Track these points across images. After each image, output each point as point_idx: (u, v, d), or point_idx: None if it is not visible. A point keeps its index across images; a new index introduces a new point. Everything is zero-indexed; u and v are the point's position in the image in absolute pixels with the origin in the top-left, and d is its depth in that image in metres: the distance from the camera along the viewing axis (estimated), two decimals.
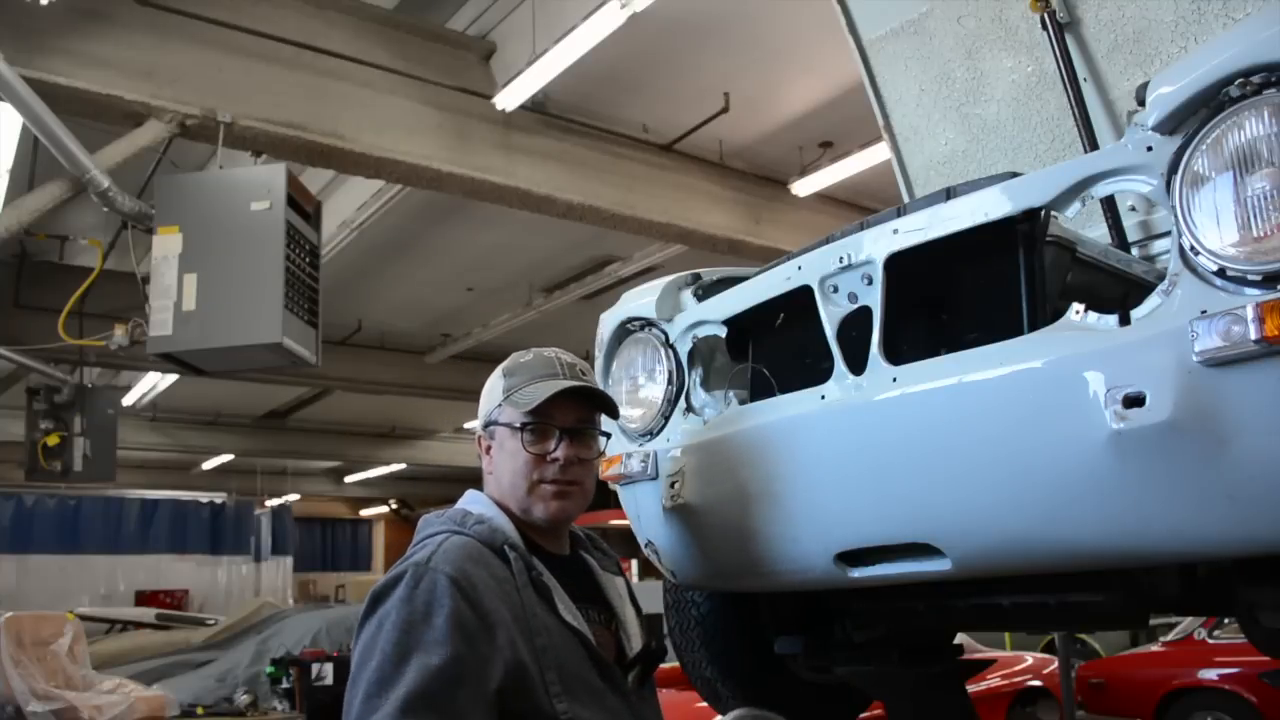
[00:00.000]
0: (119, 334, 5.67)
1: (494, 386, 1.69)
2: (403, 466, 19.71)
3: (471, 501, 1.65)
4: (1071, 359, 1.56)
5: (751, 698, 2.63)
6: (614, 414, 1.78)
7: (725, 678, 2.62)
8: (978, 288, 1.97)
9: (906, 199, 3.15)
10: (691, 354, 2.29)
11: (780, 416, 2.00)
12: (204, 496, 18.10)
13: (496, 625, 1.42)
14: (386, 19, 6.32)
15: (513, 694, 1.41)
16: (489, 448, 1.68)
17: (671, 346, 2.29)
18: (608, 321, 2.42)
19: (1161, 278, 1.55)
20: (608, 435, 1.79)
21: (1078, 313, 1.60)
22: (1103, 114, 2.66)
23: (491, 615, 1.42)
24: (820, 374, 1.95)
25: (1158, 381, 1.45)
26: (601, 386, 2.39)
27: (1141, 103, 1.58)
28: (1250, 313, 1.36)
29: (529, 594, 1.49)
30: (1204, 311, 1.43)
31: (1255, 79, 1.43)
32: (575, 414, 1.64)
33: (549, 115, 7.00)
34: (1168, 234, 1.66)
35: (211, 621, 11.48)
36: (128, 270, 5.79)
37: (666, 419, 2.27)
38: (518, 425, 1.61)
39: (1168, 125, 1.54)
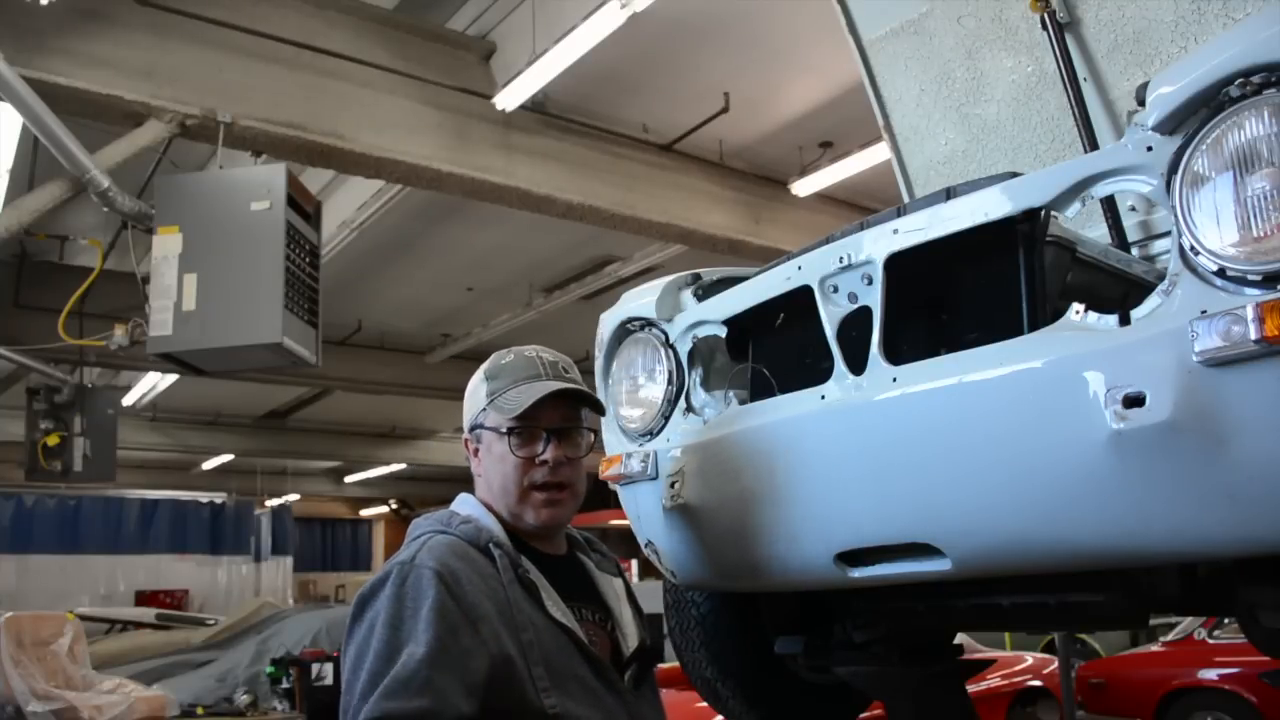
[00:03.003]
0: (119, 334, 5.66)
1: (477, 390, 1.70)
2: (403, 466, 19.72)
3: (459, 504, 1.67)
4: (1071, 359, 1.55)
5: (751, 697, 2.63)
6: (600, 410, 1.78)
7: (725, 678, 2.62)
8: (978, 288, 1.97)
9: (906, 199, 3.15)
10: (691, 354, 2.29)
11: (780, 416, 2.00)
12: (204, 496, 18.07)
13: (480, 619, 1.42)
14: (386, 19, 6.32)
15: (499, 688, 1.40)
16: (476, 450, 1.69)
17: (671, 346, 2.29)
18: (608, 321, 2.42)
19: (1161, 278, 1.55)
20: (595, 431, 1.79)
21: (1078, 313, 1.60)
22: (1103, 114, 2.66)
23: (476, 609, 1.43)
24: (820, 374, 1.95)
25: (1158, 381, 1.45)
26: (601, 386, 2.40)
27: (1141, 103, 1.58)
28: (1250, 313, 1.36)
29: (515, 590, 1.49)
30: (1204, 311, 1.42)
31: (1255, 79, 1.43)
32: (560, 413, 1.64)
33: (549, 115, 7.00)
34: (1168, 234, 1.66)
35: (211, 621, 11.48)
36: (128, 270, 5.79)
37: (666, 419, 2.27)
38: (504, 430, 1.61)
39: (1168, 125, 1.54)
